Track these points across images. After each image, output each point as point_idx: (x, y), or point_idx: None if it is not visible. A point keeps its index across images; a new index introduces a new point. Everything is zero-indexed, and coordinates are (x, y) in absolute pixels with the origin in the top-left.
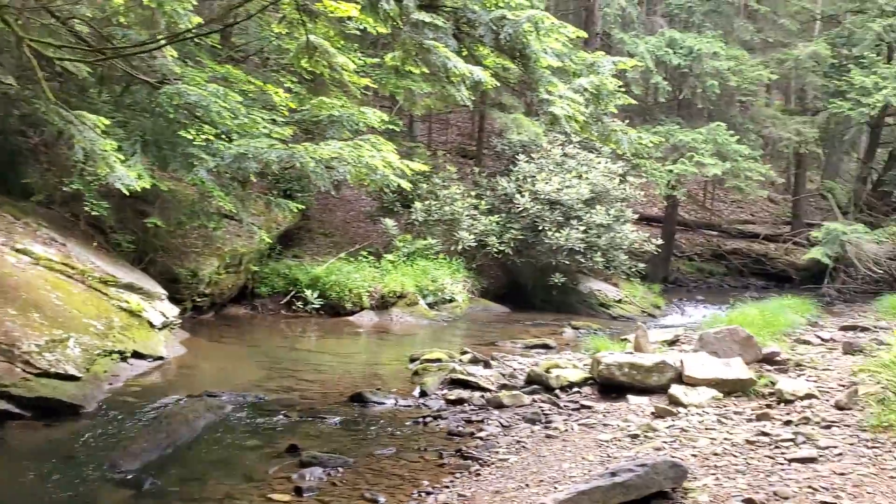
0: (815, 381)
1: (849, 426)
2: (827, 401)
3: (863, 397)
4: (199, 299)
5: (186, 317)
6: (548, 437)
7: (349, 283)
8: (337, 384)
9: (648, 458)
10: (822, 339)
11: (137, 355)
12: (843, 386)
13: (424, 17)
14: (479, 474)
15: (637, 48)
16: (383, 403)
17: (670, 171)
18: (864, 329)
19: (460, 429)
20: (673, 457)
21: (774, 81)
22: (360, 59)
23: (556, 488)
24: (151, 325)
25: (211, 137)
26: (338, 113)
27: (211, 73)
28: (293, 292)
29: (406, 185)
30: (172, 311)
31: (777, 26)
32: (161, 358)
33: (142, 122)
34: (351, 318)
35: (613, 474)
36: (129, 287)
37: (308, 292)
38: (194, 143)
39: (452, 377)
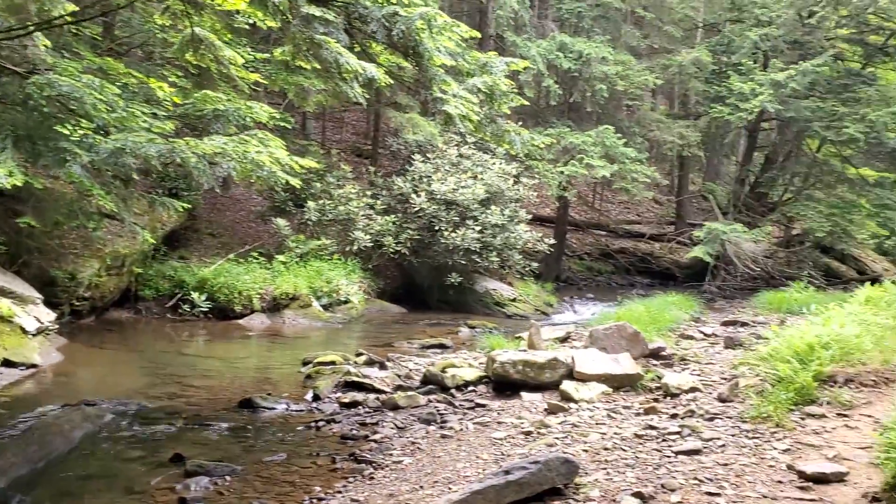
0: (698, 375)
1: (731, 418)
2: (710, 393)
3: (743, 389)
4: (78, 303)
5: (64, 322)
6: (443, 437)
7: (239, 285)
8: (225, 390)
9: (541, 454)
10: (705, 334)
11: (7, 363)
12: (725, 379)
13: (315, 11)
14: (373, 478)
15: (529, 51)
16: (274, 408)
17: (561, 172)
18: (743, 324)
19: (354, 432)
20: (565, 452)
21: (659, 86)
22: (249, 55)
23: (450, 489)
24: (24, 331)
25: (89, 132)
26: (223, 107)
27: (88, 64)
28: (179, 295)
29: (296, 182)
30: (48, 315)
31: (662, 33)
32: (35, 366)
33: (13, 115)
34: (241, 321)
35: (507, 473)
36: None
37: (195, 295)
38: (70, 137)
39: (347, 380)
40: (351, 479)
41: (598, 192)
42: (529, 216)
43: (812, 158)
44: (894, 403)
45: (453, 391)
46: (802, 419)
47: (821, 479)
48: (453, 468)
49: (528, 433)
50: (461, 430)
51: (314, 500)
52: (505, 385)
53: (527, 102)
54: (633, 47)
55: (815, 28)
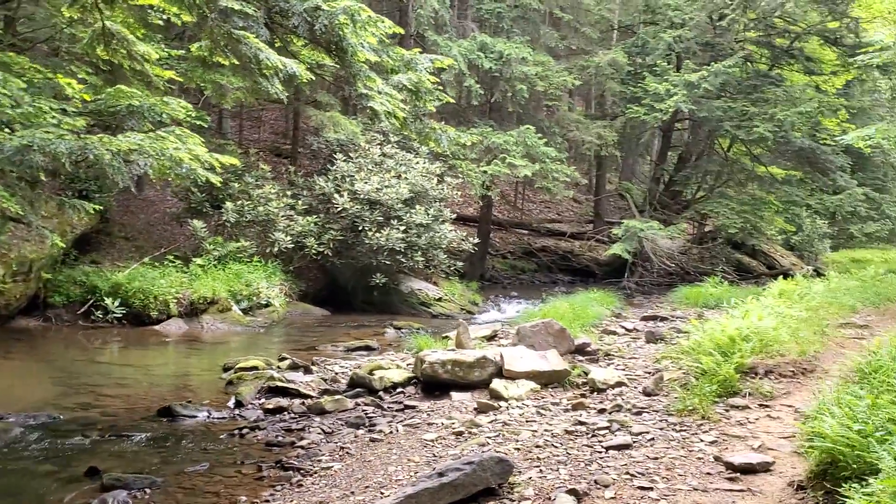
0: (623, 370)
1: (657, 411)
2: (635, 388)
3: (667, 383)
4: None
5: None
6: (372, 440)
7: (154, 289)
8: (143, 398)
9: (475, 455)
10: (627, 329)
11: None
12: (649, 373)
13: (234, 4)
14: (301, 485)
15: (450, 51)
16: (195, 416)
17: (485, 171)
18: (662, 318)
19: (280, 438)
20: (497, 452)
21: (576, 88)
22: (164, 51)
23: (382, 494)
24: None
25: None
26: (138, 103)
27: None
28: (92, 301)
29: (216, 180)
30: None
31: (579, 34)
32: None
33: None
34: (157, 327)
35: (441, 475)
36: None
37: (108, 301)
38: None
39: (270, 385)
40: (278, 488)
41: (520, 191)
42: (454, 216)
43: (723, 157)
44: (813, 393)
45: (381, 393)
46: (727, 411)
47: (748, 470)
48: (385, 472)
49: (459, 433)
50: (391, 432)
51: None
52: (434, 385)
53: (452, 99)
54: (552, 48)
55: (726, 30)
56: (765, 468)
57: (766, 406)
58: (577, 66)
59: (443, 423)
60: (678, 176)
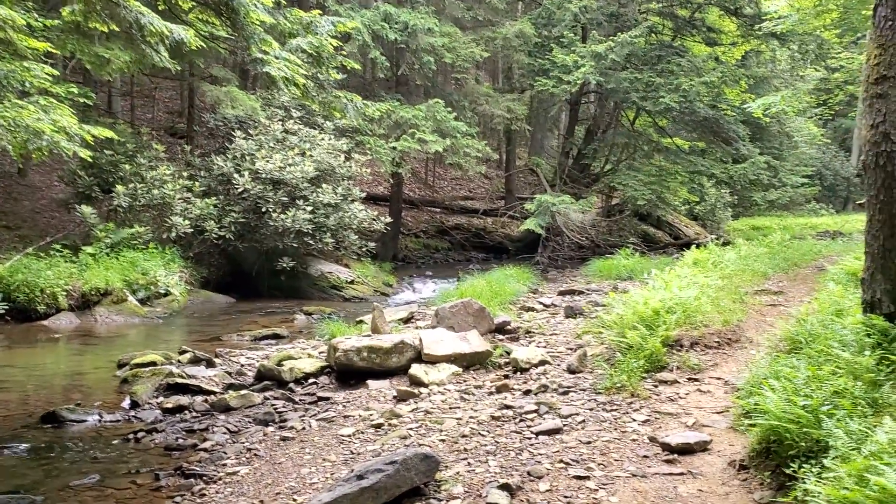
0: (545, 347)
1: (584, 390)
2: (559, 365)
3: (591, 359)
4: None
5: None
6: (283, 439)
7: (41, 281)
8: (25, 403)
9: (397, 453)
10: (545, 305)
11: None
12: (572, 349)
13: None
14: (203, 494)
15: (353, 21)
16: (84, 421)
17: (394, 148)
18: (579, 292)
19: (180, 441)
20: (420, 444)
21: (483, 61)
22: (37, 20)
23: (295, 500)
24: None
25: None
26: None
27: None
28: None
29: (85, 154)
30: None
31: (485, 4)
32: None
33: None
34: (45, 322)
35: (360, 477)
36: None
37: None
38: None
39: (170, 382)
40: (177, 499)
41: (431, 168)
42: (363, 194)
43: (630, 129)
44: (742, 364)
45: (292, 385)
46: (656, 386)
47: (686, 450)
48: (297, 475)
49: (378, 426)
50: (304, 429)
51: None
52: (349, 374)
53: (357, 66)
54: (459, 19)
55: (630, 0)
56: (703, 447)
57: (695, 379)
58: (485, 37)
59: (360, 416)
60: (586, 149)
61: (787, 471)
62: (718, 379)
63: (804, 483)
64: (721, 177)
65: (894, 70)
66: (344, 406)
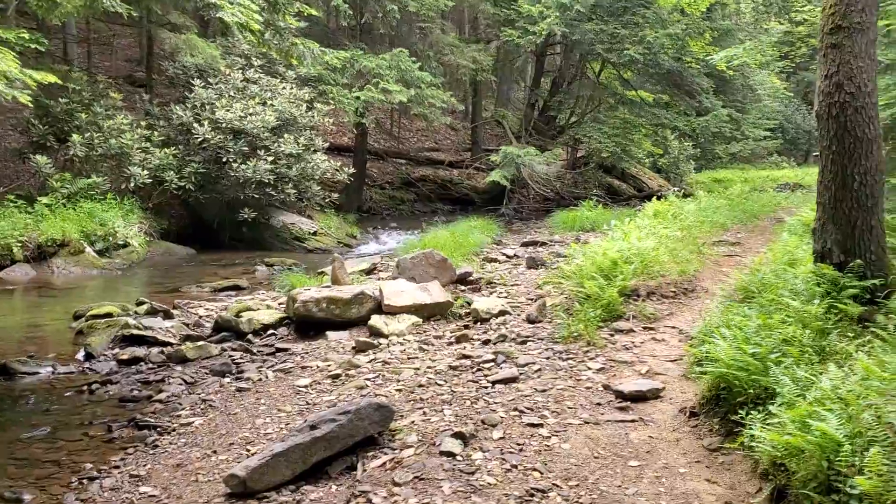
0: (506, 298)
1: (542, 339)
2: (519, 315)
3: (551, 309)
4: None
5: None
6: (239, 390)
7: None
8: None
9: (351, 403)
10: (508, 256)
11: None
12: (532, 300)
13: None
14: (157, 445)
15: None
16: (37, 373)
17: (357, 97)
18: (542, 244)
19: (135, 393)
20: (377, 394)
21: (449, 11)
22: None
23: (248, 451)
24: None
25: None
26: None
27: None
28: None
29: (24, 98)
30: None
31: None
32: None
33: None
34: (0, 273)
35: (313, 427)
36: None
37: None
38: None
39: (126, 333)
40: (130, 450)
41: (395, 119)
42: (326, 145)
43: (595, 82)
44: (697, 313)
45: (251, 337)
46: (612, 335)
47: (638, 398)
48: (252, 425)
49: (335, 377)
50: (260, 379)
51: (83, 482)
52: (309, 325)
53: (316, 13)
54: None
55: None
56: (655, 395)
57: (651, 328)
58: None
59: (318, 367)
60: (552, 101)
61: (735, 417)
62: (673, 328)
63: (750, 429)
64: (684, 129)
65: (848, 20)
66: (302, 357)
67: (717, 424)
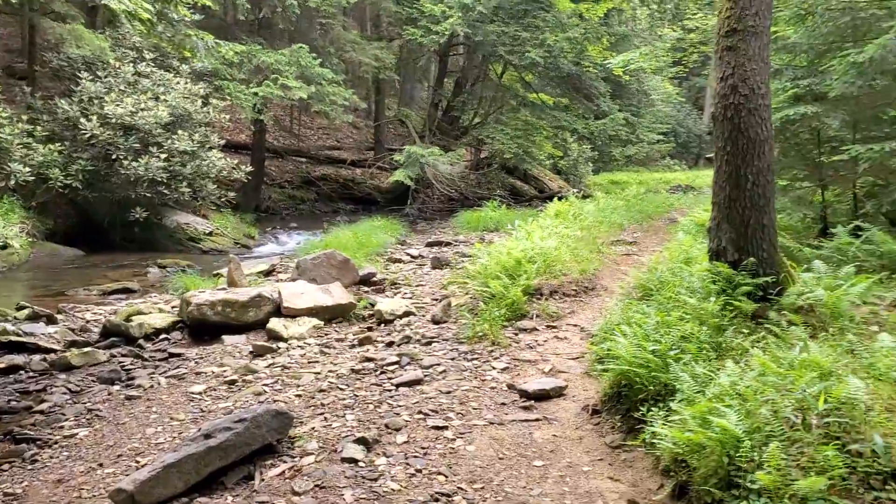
0: (411, 298)
1: (447, 340)
2: (424, 316)
3: (455, 309)
4: None
5: None
6: (129, 398)
7: None
8: None
9: (248, 410)
10: (412, 256)
11: None
12: (436, 300)
13: None
14: (36, 460)
15: None
16: None
17: (255, 93)
18: (447, 244)
19: (13, 404)
20: (276, 400)
21: (350, 8)
22: None
23: (138, 463)
24: None
25: None
26: None
27: None
28: None
29: None
30: None
31: None
32: None
33: None
34: None
35: (207, 436)
36: None
37: None
38: None
39: (3, 340)
40: (6, 467)
41: (296, 116)
42: (223, 142)
43: (497, 83)
44: (598, 311)
45: (142, 342)
46: (516, 334)
47: (542, 396)
48: (142, 435)
49: (232, 382)
50: (152, 386)
51: None
52: (204, 329)
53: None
54: None
55: None
56: (558, 393)
57: (554, 327)
58: None
59: (213, 372)
60: (455, 102)
61: (637, 414)
62: (575, 326)
63: (652, 426)
64: (584, 132)
65: (744, 23)
66: (196, 363)
67: (619, 422)
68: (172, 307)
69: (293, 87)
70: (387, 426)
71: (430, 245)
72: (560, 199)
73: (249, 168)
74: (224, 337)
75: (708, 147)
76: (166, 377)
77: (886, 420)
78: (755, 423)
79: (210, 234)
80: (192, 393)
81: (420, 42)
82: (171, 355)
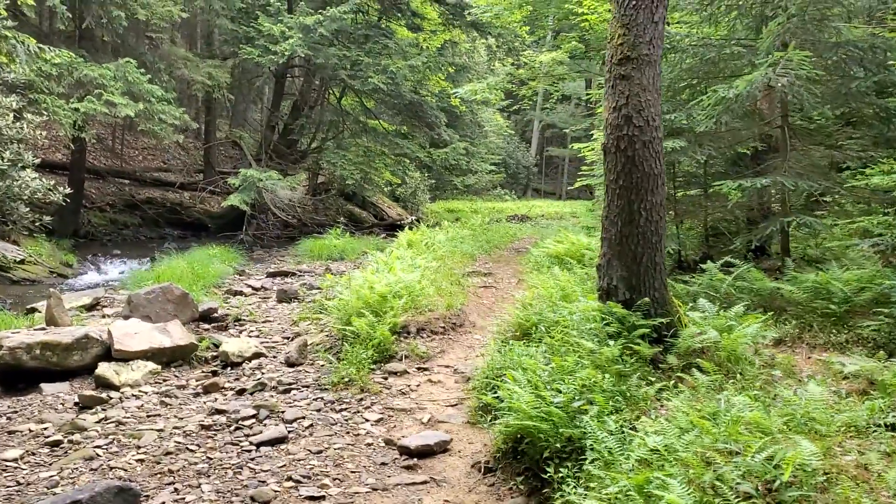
0: (258, 337)
1: (308, 386)
2: (276, 357)
3: (312, 349)
4: None
5: None
6: None
7: None
8: None
9: (82, 489)
10: (254, 288)
11: None
12: (289, 338)
13: None
14: None
15: None
16: None
17: (76, 109)
18: (291, 274)
19: None
20: (113, 467)
21: (181, 24)
22: None
23: None
24: None
25: None
26: None
27: None
28: None
29: None
30: None
31: None
32: None
33: None
34: None
35: None
36: None
37: None
38: None
39: None
40: None
41: (119, 135)
42: (37, 161)
43: (337, 107)
44: (469, 349)
45: None
46: (386, 378)
47: (426, 453)
48: None
49: (55, 444)
50: None
51: None
52: (18, 376)
53: (27, 11)
54: None
55: None
56: (443, 448)
57: (425, 369)
58: None
59: (31, 431)
60: (294, 125)
61: (543, 475)
62: (447, 367)
63: (564, 492)
64: (426, 160)
65: (637, 51)
66: (9, 418)
67: (519, 483)
68: None
69: (119, 104)
70: (253, 499)
71: (272, 275)
72: (402, 227)
73: (67, 190)
74: (43, 385)
75: (535, 178)
76: None
77: (851, 490)
78: (705, 499)
79: (21, 261)
80: (5, 460)
81: (258, 62)
82: None
